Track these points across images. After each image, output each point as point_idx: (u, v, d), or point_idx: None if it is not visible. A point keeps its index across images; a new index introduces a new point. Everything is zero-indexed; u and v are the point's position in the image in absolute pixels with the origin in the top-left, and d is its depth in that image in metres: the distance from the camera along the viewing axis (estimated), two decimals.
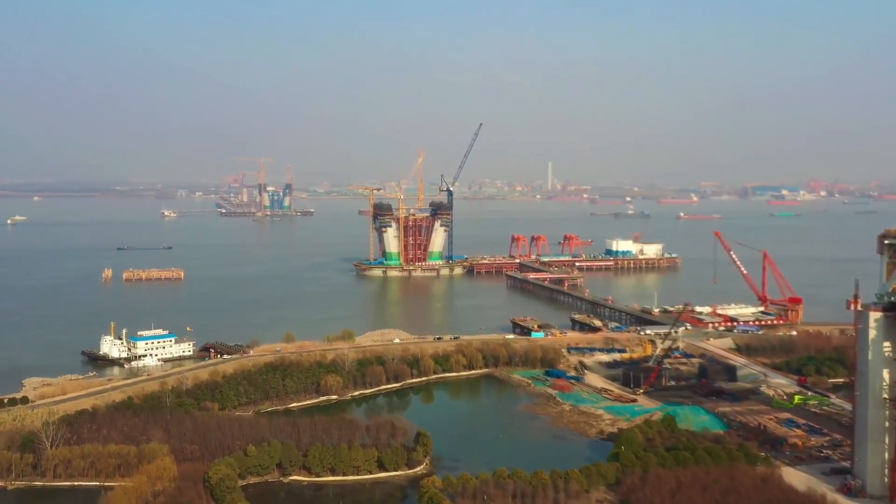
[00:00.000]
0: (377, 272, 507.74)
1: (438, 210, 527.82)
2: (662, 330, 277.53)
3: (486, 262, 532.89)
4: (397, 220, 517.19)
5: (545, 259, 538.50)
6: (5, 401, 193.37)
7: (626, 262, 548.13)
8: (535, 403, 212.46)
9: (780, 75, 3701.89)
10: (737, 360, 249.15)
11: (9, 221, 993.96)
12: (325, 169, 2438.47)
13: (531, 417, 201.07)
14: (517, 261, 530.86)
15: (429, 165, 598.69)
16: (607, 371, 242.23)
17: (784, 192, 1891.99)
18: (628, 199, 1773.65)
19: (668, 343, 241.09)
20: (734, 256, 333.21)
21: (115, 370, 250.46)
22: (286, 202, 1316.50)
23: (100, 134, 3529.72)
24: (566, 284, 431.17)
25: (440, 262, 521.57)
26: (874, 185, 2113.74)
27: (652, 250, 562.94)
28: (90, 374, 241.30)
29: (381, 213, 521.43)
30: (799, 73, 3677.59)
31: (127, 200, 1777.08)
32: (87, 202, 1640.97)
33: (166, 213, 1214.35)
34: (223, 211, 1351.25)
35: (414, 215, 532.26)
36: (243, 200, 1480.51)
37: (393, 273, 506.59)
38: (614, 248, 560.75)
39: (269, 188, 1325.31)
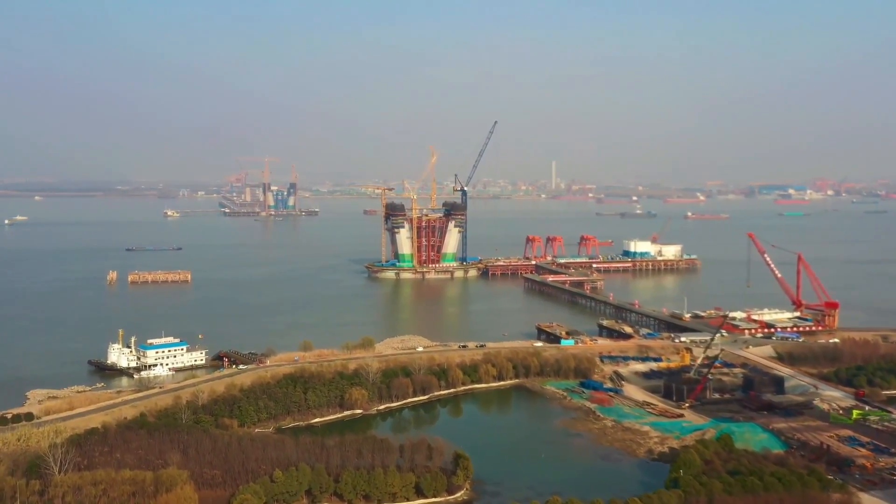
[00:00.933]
0: (390, 274, 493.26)
1: (452, 210, 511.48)
2: (699, 337, 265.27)
3: (502, 263, 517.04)
4: (410, 221, 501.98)
5: (561, 260, 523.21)
6: (9, 417, 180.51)
7: (644, 263, 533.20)
8: (574, 418, 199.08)
9: (785, 74, 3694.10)
10: (782, 370, 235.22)
11: (6, 222, 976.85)
12: (327, 168, 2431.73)
13: (571, 434, 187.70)
14: (533, 262, 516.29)
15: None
16: (646, 382, 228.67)
17: (791, 191, 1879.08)
18: (634, 198, 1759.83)
19: (710, 352, 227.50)
20: (768, 259, 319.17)
21: (125, 381, 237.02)
22: (290, 202, 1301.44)
23: (102, 133, 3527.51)
24: (587, 287, 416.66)
25: (454, 264, 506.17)
26: (880, 184, 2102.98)
27: (671, 251, 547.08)
28: (98, 385, 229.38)
29: (394, 213, 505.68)
30: (803, 72, 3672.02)
31: (129, 200, 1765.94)
32: (88, 202, 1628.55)
33: (169, 213, 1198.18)
34: (227, 210, 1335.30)
35: (427, 216, 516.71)
36: (246, 200, 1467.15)
37: (406, 275, 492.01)
38: (632, 250, 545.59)
39: (272, 188, 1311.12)
